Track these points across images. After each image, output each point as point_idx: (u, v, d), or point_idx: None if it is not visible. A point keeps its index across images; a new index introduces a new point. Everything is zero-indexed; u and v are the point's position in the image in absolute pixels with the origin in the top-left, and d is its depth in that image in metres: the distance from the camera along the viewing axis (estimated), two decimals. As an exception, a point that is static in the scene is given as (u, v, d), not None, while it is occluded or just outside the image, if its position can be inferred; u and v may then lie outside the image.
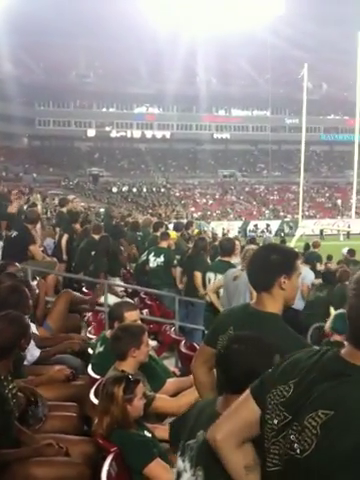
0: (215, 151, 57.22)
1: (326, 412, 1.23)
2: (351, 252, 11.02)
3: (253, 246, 5.25)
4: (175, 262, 7.40)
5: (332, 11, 56.37)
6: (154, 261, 7.48)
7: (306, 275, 7.05)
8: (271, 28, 53.64)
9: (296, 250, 2.41)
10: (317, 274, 8.29)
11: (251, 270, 2.22)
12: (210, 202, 48.67)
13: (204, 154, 57.07)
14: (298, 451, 1.26)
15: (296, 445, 1.26)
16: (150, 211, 40.02)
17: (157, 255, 7.48)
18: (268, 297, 2.10)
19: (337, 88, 57.85)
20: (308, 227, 34.01)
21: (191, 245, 8.54)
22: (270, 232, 38.93)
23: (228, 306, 4.79)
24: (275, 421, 1.37)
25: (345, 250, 11.91)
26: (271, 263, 2.09)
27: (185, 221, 13.82)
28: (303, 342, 2.09)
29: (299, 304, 7.17)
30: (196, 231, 12.06)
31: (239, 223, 41.75)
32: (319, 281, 7.86)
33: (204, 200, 49.04)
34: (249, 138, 58.94)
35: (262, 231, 39.11)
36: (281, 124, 59.29)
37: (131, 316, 3.40)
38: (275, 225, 41.62)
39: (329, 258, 12.90)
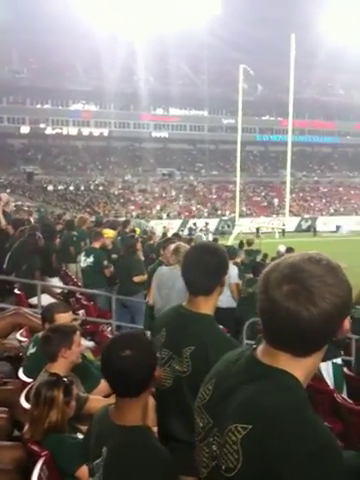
0: (154, 150, 57.26)
1: (244, 426, 1.16)
2: (289, 250, 11.36)
3: (183, 244, 5.23)
4: (105, 263, 7.35)
5: (267, 13, 57.93)
6: (84, 261, 7.46)
7: (231, 273, 6.86)
8: (208, 28, 54.34)
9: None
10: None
11: (191, 275, 2.12)
12: (149, 200, 48.65)
13: (143, 152, 56.94)
14: (223, 468, 1.20)
15: (222, 460, 1.20)
16: (88, 210, 39.45)
17: (87, 255, 7.47)
18: (204, 299, 2.09)
19: (271, 89, 59.50)
20: (245, 225, 34.81)
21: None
22: (208, 230, 39.51)
23: (164, 305, 4.79)
24: (201, 424, 1.33)
25: (281, 247, 12.33)
26: (213, 268, 2.08)
27: (122, 219, 13.72)
28: (235, 343, 2.08)
29: (230, 302, 7.30)
30: (138, 230, 11.97)
31: (179, 222, 42.03)
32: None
33: (143, 198, 48.95)
34: (187, 137, 59.44)
35: (201, 229, 39.63)
36: (218, 124, 60.22)
37: (62, 318, 3.32)
38: (214, 223, 42.28)
39: (265, 256, 13.25)
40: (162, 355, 2.06)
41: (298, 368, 1.21)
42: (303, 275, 1.17)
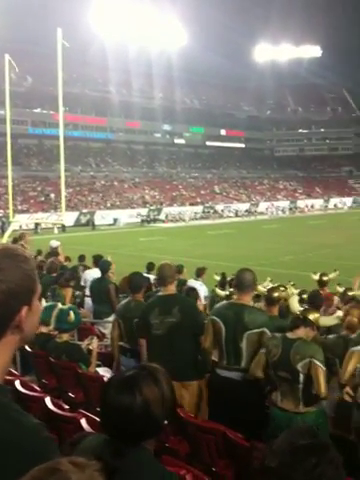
0: None
1: None
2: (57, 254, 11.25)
3: None
4: None
5: (39, 3, 56.32)
6: None
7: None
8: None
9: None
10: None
11: None
12: None
13: None
14: None
15: None
16: None
17: None
18: None
19: (42, 82, 58.06)
20: (22, 222, 33.42)
21: None
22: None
23: None
24: None
25: (52, 242, 12.21)
26: None
27: None
28: None
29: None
30: None
31: None
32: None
33: None
34: None
35: (-28, 228, 36.67)
36: (-14, 115, 56.22)
37: None
38: (-13, 221, 39.54)
39: (39, 253, 12.98)
40: None
41: None
42: None
